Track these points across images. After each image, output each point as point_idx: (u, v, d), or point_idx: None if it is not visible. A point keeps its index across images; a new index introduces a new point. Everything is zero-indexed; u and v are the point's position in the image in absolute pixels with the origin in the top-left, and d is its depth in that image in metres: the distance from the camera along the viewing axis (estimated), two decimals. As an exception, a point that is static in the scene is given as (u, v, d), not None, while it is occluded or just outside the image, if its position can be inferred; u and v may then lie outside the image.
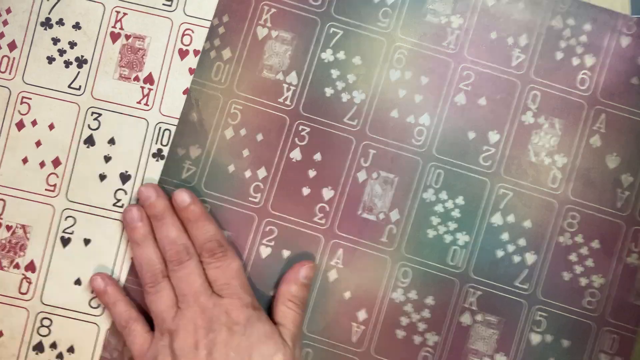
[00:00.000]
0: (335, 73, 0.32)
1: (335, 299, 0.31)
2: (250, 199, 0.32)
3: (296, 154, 0.32)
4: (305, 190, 0.32)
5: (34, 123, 0.32)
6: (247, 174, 0.32)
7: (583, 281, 0.31)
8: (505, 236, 0.31)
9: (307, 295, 0.31)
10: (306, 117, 0.32)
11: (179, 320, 0.29)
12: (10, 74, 0.32)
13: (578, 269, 0.31)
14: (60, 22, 0.32)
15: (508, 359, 0.31)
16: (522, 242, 0.31)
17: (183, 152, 0.32)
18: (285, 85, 0.32)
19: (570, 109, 0.32)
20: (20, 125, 0.32)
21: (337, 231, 0.32)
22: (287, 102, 0.32)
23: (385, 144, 0.32)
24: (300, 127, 0.32)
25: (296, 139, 0.32)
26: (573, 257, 0.31)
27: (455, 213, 0.32)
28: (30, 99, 0.32)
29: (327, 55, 0.32)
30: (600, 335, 0.31)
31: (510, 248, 0.31)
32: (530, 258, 0.31)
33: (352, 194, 0.32)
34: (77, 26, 0.32)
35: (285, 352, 0.28)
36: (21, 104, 0.32)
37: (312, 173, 0.32)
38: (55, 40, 0.32)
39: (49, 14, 0.33)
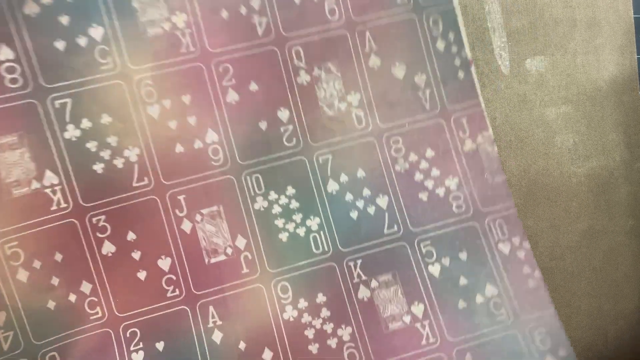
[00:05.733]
0: (93, 145, 0.27)
1: (233, 356, 0.29)
2: (91, 317, 0.28)
3: (108, 248, 0.28)
4: (141, 274, 0.28)
5: None
6: (72, 298, 0.28)
7: (440, 191, 0.31)
8: (349, 197, 0.30)
9: None
10: (93, 207, 0.28)
11: None
12: None
13: (429, 183, 0.31)
14: None
15: (426, 304, 0.31)
16: (366, 192, 0.31)
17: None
18: (48, 190, 0.27)
19: (334, 46, 0.30)
20: None
21: (196, 292, 0.29)
22: (63, 205, 0.27)
23: (188, 182, 0.29)
24: (94, 220, 0.28)
25: (97, 234, 0.28)
26: (418, 176, 0.31)
27: (294, 204, 0.30)
28: None
29: (72, 132, 0.27)
30: (487, 228, 0.31)
31: (360, 204, 0.31)
32: (383, 202, 0.31)
33: (189, 249, 0.29)
34: None
35: None
36: None
37: (136, 255, 0.28)
38: None
39: None
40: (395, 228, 0.31)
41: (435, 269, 0.31)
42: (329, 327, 0.30)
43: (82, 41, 0.27)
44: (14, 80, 0.26)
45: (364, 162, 0.31)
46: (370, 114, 0.31)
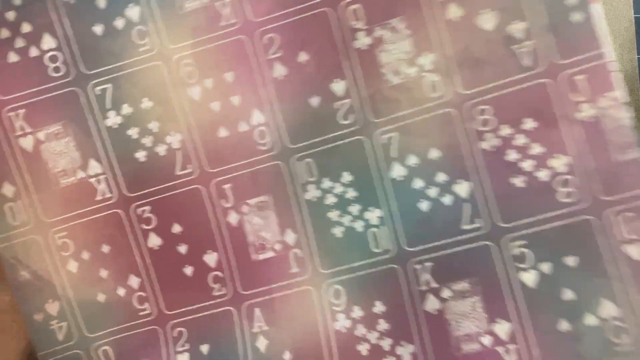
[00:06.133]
0: (134, 132, 0.26)
1: (280, 366, 0.25)
2: (140, 314, 0.27)
3: (154, 241, 0.26)
4: (188, 270, 0.26)
5: None
6: (120, 291, 0.27)
7: (543, 174, 0.24)
8: (418, 183, 0.24)
9: None
10: (138, 197, 0.26)
11: None
12: None
13: (528, 164, 0.24)
14: None
15: (513, 323, 0.24)
16: (441, 177, 0.24)
17: (41, 316, 0.27)
18: (93, 180, 0.26)
19: (401, -2, 0.25)
20: None
21: (243, 292, 0.26)
22: (107, 195, 0.26)
23: (234, 170, 0.26)
24: (139, 211, 0.26)
25: (143, 225, 0.26)
26: (513, 155, 0.24)
27: (351, 193, 0.25)
28: None
29: (113, 119, 0.26)
30: (607, 223, 0.23)
31: (432, 192, 0.24)
32: (463, 189, 0.24)
33: (236, 243, 0.26)
34: None
35: None
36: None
37: (182, 248, 0.26)
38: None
39: None
40: (478, 223, 0.24)
41: (529, 277, 0.23)
42: (386, 344, 0.24)
43: (119, 23, 0.26)
44: (57, 69, 0.26)
45: (439, 139, 0.24)
46: (448, 79, 0.24)
